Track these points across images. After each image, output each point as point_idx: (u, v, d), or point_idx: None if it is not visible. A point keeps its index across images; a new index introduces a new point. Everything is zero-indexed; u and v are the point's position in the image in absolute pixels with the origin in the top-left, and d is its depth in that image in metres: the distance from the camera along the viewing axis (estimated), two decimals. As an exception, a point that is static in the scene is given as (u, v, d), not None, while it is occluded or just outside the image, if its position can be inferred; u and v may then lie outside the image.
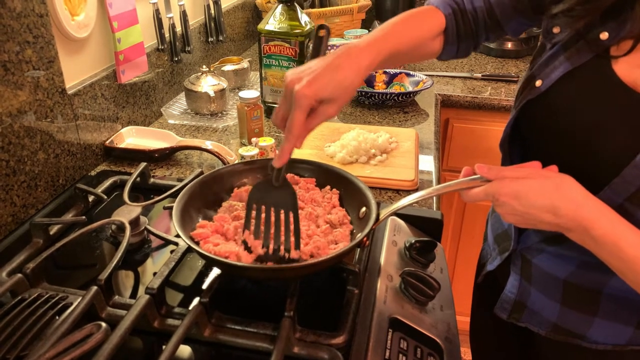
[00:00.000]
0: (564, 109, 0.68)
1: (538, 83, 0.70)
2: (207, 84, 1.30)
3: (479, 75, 1.67)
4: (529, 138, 0.75)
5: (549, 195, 0.59)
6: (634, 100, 0.61)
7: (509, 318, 0.83)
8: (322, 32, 0.71)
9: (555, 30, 0.69)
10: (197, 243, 0.70)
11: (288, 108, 0.65)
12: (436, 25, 0.79)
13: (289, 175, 0.83)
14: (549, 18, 0.70)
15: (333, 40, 1.79)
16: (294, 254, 0.69)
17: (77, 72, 1.05)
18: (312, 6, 1.98)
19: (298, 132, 0.64)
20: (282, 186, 0.71)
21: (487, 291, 0.94)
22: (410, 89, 1.49)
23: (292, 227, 0.70)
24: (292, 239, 0.69)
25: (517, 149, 0.78)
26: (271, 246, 0.69)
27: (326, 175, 0.82)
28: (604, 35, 0.63)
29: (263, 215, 0.71)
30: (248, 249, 0.69)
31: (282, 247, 0.69)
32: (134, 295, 0.74)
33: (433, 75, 1.68)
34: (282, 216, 0.70)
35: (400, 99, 1.42)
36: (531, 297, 0.79)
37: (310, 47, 0.69)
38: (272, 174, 0.70)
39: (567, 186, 0.60)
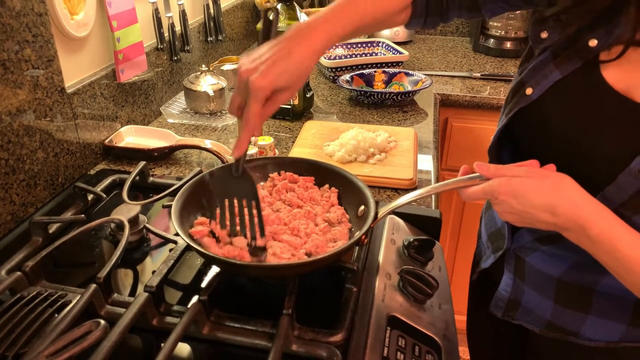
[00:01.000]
0: (555, 116, 0.68)
1: (529, 91, 0.70)
2: (207, 83, 1.30)
3: (478, 74, 1.68)
4: (522, 144, 0.75)
5: (547, 194, 0.59)
6: (625, 106, 0.61)
7: (504, 316, 0.83)
8: (271, 14, 0.69)
9: (543, 35, 0.69)
10: (196, 241, 0.70)
11: (244, 97, 0.64)
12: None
13: (288, 174, 0.83)
14: (537, 23, 0.70)
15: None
16: (260, 241, 0.69)
17: (76, 71, 1.05)
18: (312, 5, 1.98)
19: (255, 122, 0.63)
20: (242, 176, 0.70)
21: (482, 289, 0.95)
22: (409, 88, 1.49)
23: (255, 216, 0.70)
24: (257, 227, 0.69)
25: (506, 153, 0.78)
26: (239, 236, 0.69)
27: (325, 174, 0.82)
28: (593, 43, 0.63)
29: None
30: (217, 239, 0.70)
31: (248, 236, 0.69)
32: (132, 293, 0.74)
33: (432, 75, 1.68)
34: (245, 206, 0.70)
35: (399, 98, 1.42)
36: (525, 296, 0.80)
37: (261, 33, 0.69)
38: (233, 164, 0.69)
39: (565, 186, 0.60)
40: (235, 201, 0.70)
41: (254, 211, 0.70)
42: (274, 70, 0.62)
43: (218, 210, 0.71)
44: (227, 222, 0.70)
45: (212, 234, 0.71)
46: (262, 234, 0.69)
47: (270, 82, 0.62)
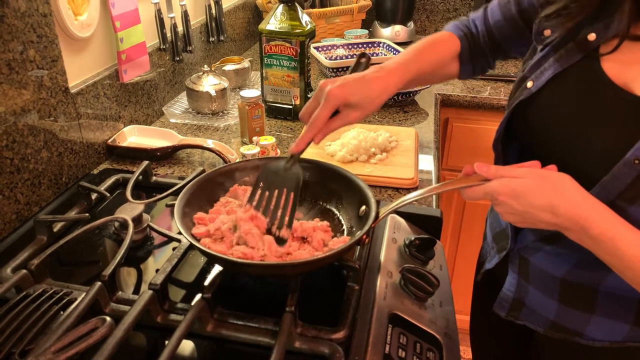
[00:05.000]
0: (555, 108, 0.69)
1: (529, 84, 0.71)
2: (209, 83, 1.31)
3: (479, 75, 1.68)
4: (522, 138, 0.76)
5: (547, 194, 0.60)
6: (623, 98, 0.62)
7: (508, 316, 0.84)
8: (362, 59, 0.80)
9: (547, 32, 0.71)
10: (199, 240, 0.71)
11: (316, 106, 0.72)
12: (453, 48, 0.87)
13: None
14: (540, 20, 0.71)
15: (334, 40, 1.80)
16: (284, 232, 0.71)
17: (80, 71, 1.06)
18: (313, 6, 1.99)
19: (319, 126, 0.71)
20: (291, 169, 0.75)
21: (486, 289, 0.95)
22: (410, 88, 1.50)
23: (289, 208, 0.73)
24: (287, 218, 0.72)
25: (510, 149, 0.79)
26: (268, 220, 0.72)
27: (326, 174, 0.83)
28: (592, 36, 0.65)
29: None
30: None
31: (275, 224, 0.72)
32: (136, 291, 0.75)
33: (433, 75, 1.68)
34: (284, 197, 0.74)
35: (400, 98, 1.42)
36: (529, 296, 0.80)
37: (350, 68, 0.79)
38: (287, 158, 0.76)
39: (565, 186, 0.60)
40: (276, 191, 0.74)
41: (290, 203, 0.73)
42: (350, 86, 0.72)
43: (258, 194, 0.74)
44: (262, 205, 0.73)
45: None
46: (289, 226, 0.72)
47: (344, 94, 0.71)
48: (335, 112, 0.73)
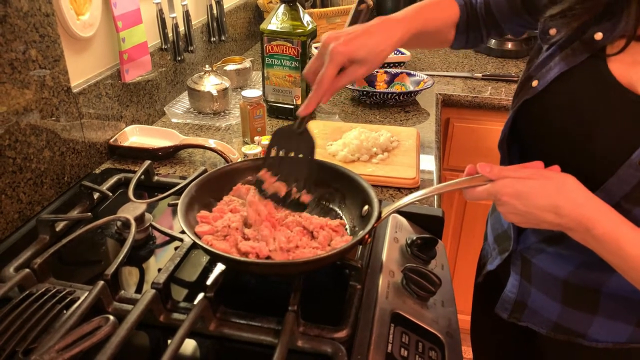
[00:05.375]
0: (559, 108, 0.69)
1: (534, 83, 0.71)
2: (210, 83, 1.31)
3: (480, 75, 1.68)
4: (527, 137, 0.76)
5: (550, 195, 0.60)
6: (628, 99, 0.62)
7: (510, 318, 0.83)
8: (362, 6, 0.78)
9: (552, 32, 0.70)
10: (202, 238, 0.71)
11: (320, 64, 0.70)
12: (453, 14, 0.86)
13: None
14: (545, 20, 0.71)
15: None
16: (304, 196, 0.72)
17: (82, 71, 1.06)
18: (314, 6, 1.99)
19: (327, 86, 0.69)
20: (303, 133, 0.74)
21: (487, 291, 0.95)
22: (411, 88, 1.50)
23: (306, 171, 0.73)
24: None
25: (515, 148, 0.79)
26: (284, 188, 0.73)
27: (330, 174, 0.83)
28: (599, 36, 0.64)
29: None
30: (263, 192, 0.74)
31: (294, 191, 0.72)
32: (139, 291, 0.75)
33: (434, 75, 1.69)
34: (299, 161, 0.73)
35: (401, 98, 1.43)
36: (531, 297, 0.80)
37: (349, 18, 0.77)
38: (296, 121, 0.74)
39: (569, 186, 0.60)
40: (292, 154, 0.74)
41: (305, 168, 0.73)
42: (355, 41, 0.69)
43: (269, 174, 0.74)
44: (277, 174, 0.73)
45: (258, 183, 0.74)
46: (309, 190, 0.72)
47: (349, 50, 0.68)
48: (341, 69, 0.70)
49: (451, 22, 0.87)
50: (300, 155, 0.73)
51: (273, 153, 0.74)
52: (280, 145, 0.74)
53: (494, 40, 1.88)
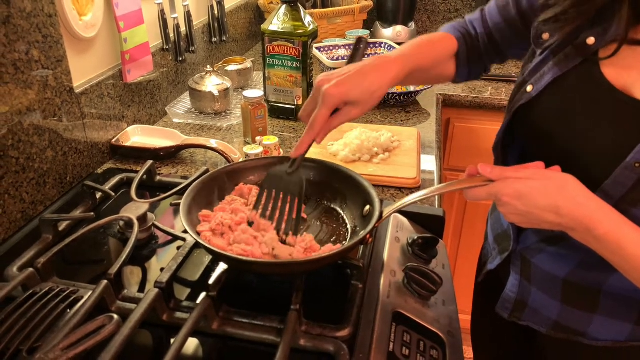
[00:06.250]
0: (554, 112, 0.69)
1: (529, 88, 0.71)
2: (211, 83, 1.31)
3: (480, 75, 1.69)
4: (522, 142, 0.77)
5: (551, 195, 0.60)
6: (623, 102, 0.62)
7: (510, 317, 0.84)
8: (360, 45, 0.78)
9: (545, 36, 0.71)
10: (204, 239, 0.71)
11: (315, 105, 0.70)
12: (450, 47, 0.86)
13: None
14: (538, 24, 0.71)
15: (335, 41, 1.81)
16: (290, 239, 0.72)
17: (84, 71, 1.06)
18: (315, 7, 2.00)
19: (319, 127, 0.69)
20: (294, 174, 0.75)
21: (488, 290, 0.95)
22: (412, 88, 1.50)
23: (294, 213, 0.73)
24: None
25: (510, 152, 0.79)
26: (274, 225, 0.73)
27: (332, 174, 0.83)
28: (591, 40, 0.65)
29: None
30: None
31: (282, 230, 0.73)
32: (141, 290, 0.75)
33: (434, 76, 1.69)
34: (288, 203, 0.74)
35: (402, 98, 1.43)
36: (532, 296, 0.80)
37: (348, 56, 0.78)
38: (289, 162, 0.75)
39: (569, 186, 0.60)
40: (281, 195, 0.75)
41: (294, 209, 0.73)
42: (348, 83, 0.69)
43: (263, 200, 0.75)
44: (268, 212, 0.74)
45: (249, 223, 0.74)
46: (295, 233, 0.72)
47: (341, 92, 0.68)
48: (335, 109, 0.71)
49: (448, 55, 0.87)
50: (289, 196, 0.74)
51: (264, 196, 0.75)
52: (271, 187, 0.75)
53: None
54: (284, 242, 0.72)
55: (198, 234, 0.71)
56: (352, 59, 0.77)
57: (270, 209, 0.74)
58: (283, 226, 0.73)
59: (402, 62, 0.76)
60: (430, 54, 0.84)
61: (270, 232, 0.72)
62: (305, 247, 0.72)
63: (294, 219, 0.73)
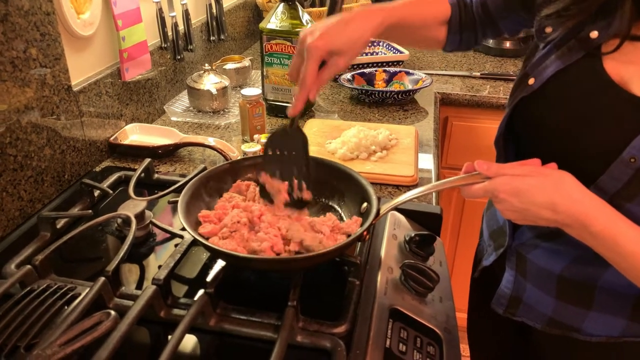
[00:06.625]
0: (555, 106, 0.69)
1: (531, 81, 0.71)
2: (210, 82, 1.32)
3: (478, 74, 1.69)
4: (522, 135, 0.77)
5: (547, 192, 0.60)
6: (621, 97, 0.63)
7: (505, 313, 0.84)
8: None
9: (548, 30, 0.71)
10: (207, 239, 0.71)
11: (302, 62, 0.70)
12: (442, 11, 0.85)
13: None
14: (541, 18, 0.72)
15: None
16: (305, 194, 0.73)
17: (82, 69, 1.06)
18: (313, 5, 2.00)
19: (310, 82, 0.69)
20: (295, 132, 0.75)
21: (483, 286, 0.95)
22: (410, 87, 1.50)
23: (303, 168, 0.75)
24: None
25: (511, 146, 0.80)
26: (286, 184, 0.75)
27: (329, 171, 0.84)
28: (594, 34, 0.65)
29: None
30: (266, 195, 0.76)
31: (295, 188, 0.74)
32: (139, 287, 0.75)
33: (432, 74, 1.69)
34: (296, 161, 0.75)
35: (399, 97, 1.43)
36: (527, 292, 0.81)
37: (327, 8, 0.77)
38: (288, 122, 0.75)
39: (566, 183, 0.61)
40: (286, 155, 0.76)
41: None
42: (330, 33, 0.68)
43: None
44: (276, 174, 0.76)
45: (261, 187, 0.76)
46: (309, 187, 0.74)
47: (325, 43, 0.68)
48: (323, 62, 0.70)
49: (440, 19, 0.86)
50: (294, 153, 0.75)
51: (270, 157, 0.76)
52: (275, 148, 0.76)
53: (492, 40, 1.89)
54: (300, 199, 0.73)
55: (196, 231, 0.71)
56: (331, 11, 0.76)
57: (278, 168, 0.75)
58: (295, 182, 0.74)
59: (387, 11, 0.75)
60: (419, 11, 0.82)
61: (294, 224, 0.73)
62: (332, 225, 0.73)
63: (305, 170, 0.74)
